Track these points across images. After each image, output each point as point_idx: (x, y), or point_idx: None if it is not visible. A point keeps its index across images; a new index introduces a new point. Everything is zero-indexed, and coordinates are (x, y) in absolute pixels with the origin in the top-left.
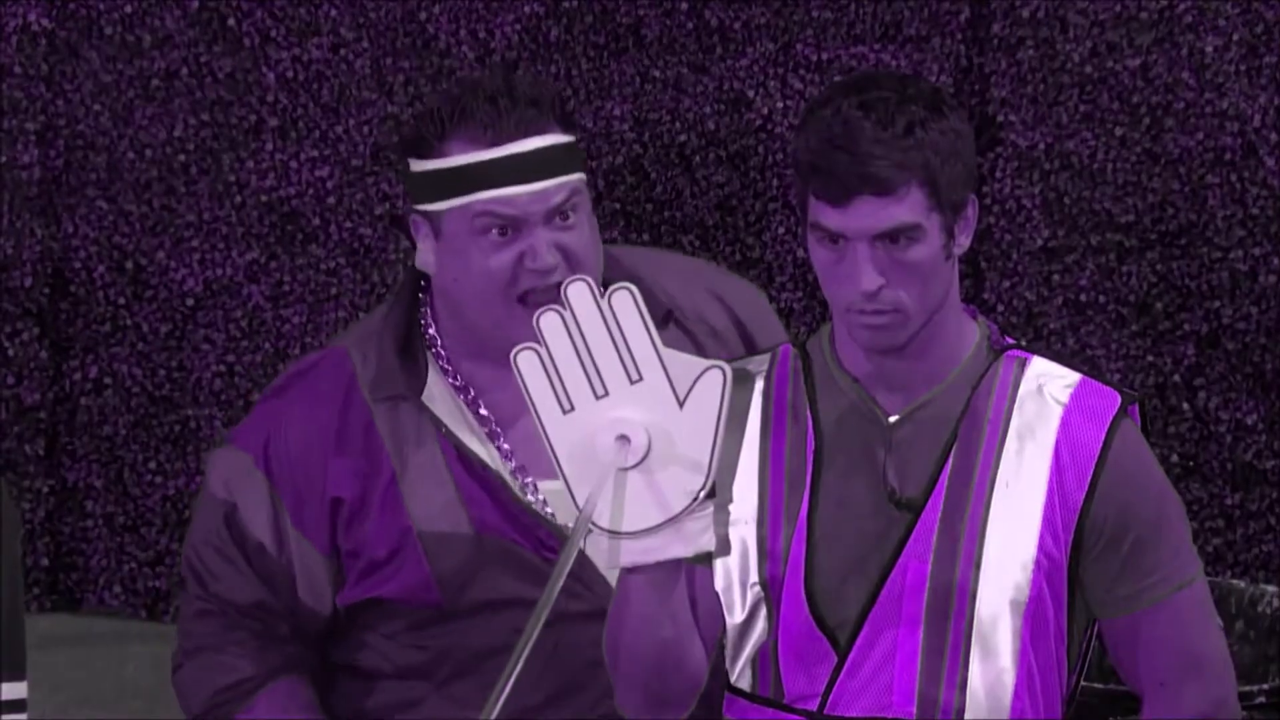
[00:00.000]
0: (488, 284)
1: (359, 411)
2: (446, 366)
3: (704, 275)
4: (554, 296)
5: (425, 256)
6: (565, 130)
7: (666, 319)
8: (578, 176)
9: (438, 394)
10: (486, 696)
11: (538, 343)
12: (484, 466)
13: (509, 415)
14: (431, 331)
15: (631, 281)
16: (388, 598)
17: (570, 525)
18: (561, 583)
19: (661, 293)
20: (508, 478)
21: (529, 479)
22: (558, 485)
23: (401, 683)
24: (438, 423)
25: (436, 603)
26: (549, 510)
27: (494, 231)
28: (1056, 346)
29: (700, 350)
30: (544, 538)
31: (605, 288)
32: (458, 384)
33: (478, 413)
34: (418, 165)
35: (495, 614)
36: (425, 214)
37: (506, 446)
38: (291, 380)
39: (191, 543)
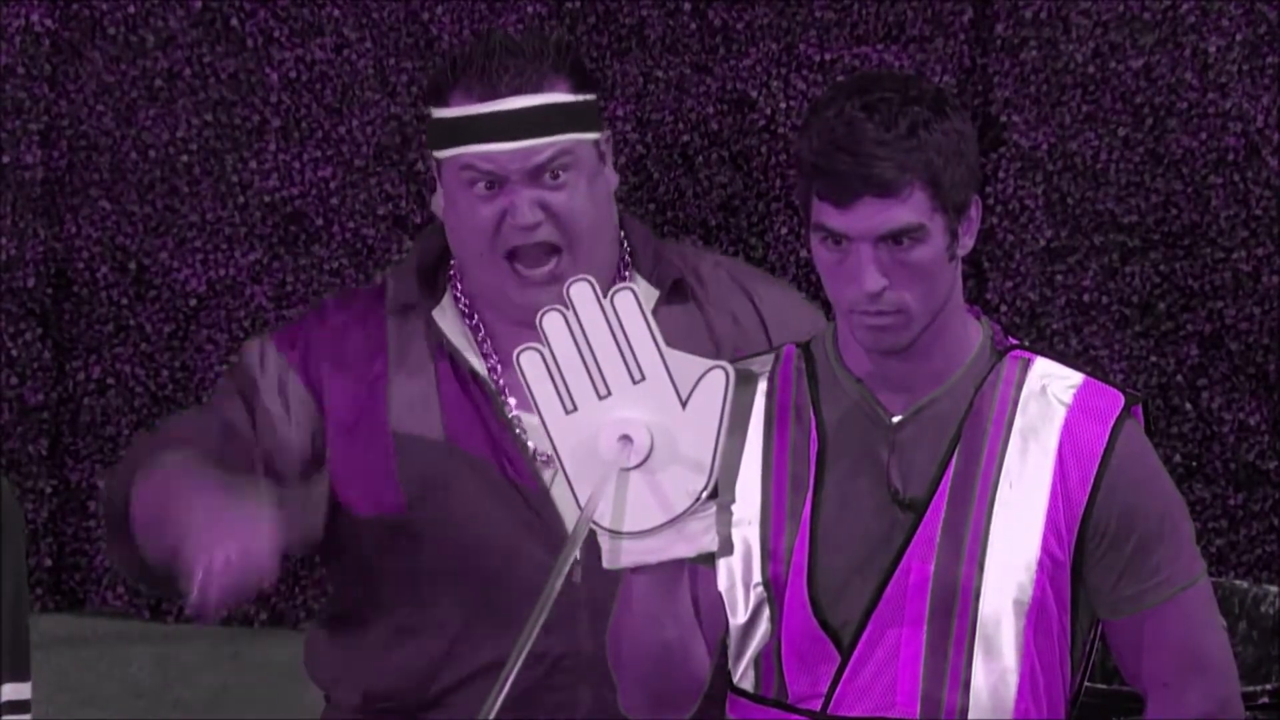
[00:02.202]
0: (475, 236)
1: (376, 321)
2: (460, 295)
3: (733, 267)
4: (540, 255)
5: (436, 203)
6: (576, 89)
7: (676, 286)
8: (571, 136)
9: (449, 312)
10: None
11: (540, 341)
12: (474, 375)
13: (508, 358)
14: (455, 274)
15: (649, 251)
16: (355, 510)
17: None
18: (561, 581)
19: (679, 259)
20: (495, 393)
21: (513, 403)
22: (538, 421)
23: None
24: (440, 336)
25: (400, 510)
26: (527, 439)
27: (480, 185)
28: (1060, 347)
29: (710, 328)
30: (512, 457)
31: (622, 258)
32: (467, 310)
33: (479, 337)
34: (432, 112)
35: (452, 531)
36: (435, 161)
37: (500, 368)
38: (333, 298)
39: None
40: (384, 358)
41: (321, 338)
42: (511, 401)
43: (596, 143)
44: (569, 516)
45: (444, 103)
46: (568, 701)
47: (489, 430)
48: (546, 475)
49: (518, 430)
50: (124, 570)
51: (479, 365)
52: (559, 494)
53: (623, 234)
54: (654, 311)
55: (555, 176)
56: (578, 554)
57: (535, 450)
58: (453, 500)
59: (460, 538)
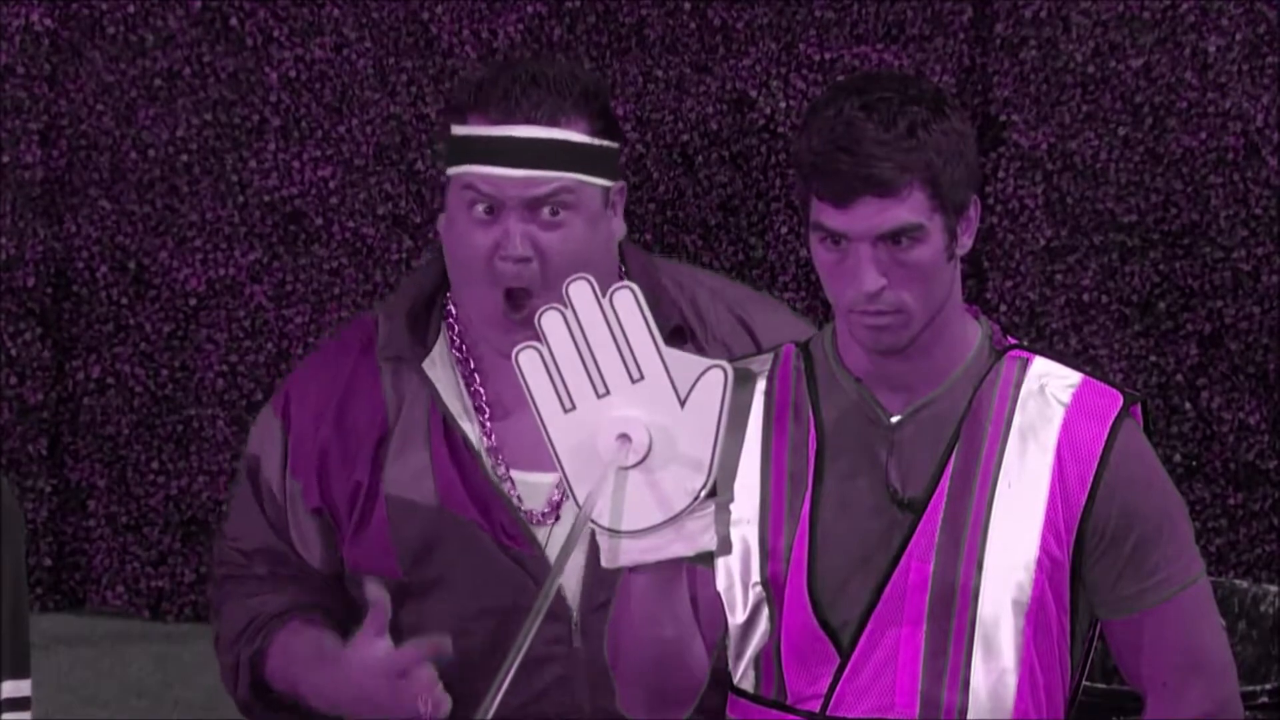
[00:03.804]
0: (469, 261)
1: (369, 370)
2: (455, 339)
3: (729, 295)
4: (527, 300)
5: (441, 221)
6: (595, 132)
7: (675, 332)
8: (576, 176)
9: (440, 362)
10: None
11: (539, 341)
12: (464, 439)
13: (507, 402)
14: (451, 304)
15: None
16: (356, 566)
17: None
18: (559, 579)
19: (677, 294)
20: (483, 454)
21: (505, 464)
22: (533, 478)
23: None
24: (433, 391)
25: (395, 573)
26: (518, 499)
27: (479, 208)
28: (1059, 346)
29: None
30: (505, 523)
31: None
32: (461, 356)
33: (472, 388)
34: (451, 129)
35: (449, 594)
36: (446, 179)
37: (490, 426)
38: (325, 341)
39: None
40: (381, 417)
41: (310, 390)
42: (503, 465)
43: (606, 190)
44: (569, 578)
45: (462, 121)
46: (562, 702)
47: (480, 494)
48: (541, 535)
49: (508, 491)
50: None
51: (469, 426)
52: (554, 553)
53: (623, 275)
54: None
55: (554, 213)
56: (575, 617)
57: (528, 511)
58: (446, 564)
59: (456, 601)
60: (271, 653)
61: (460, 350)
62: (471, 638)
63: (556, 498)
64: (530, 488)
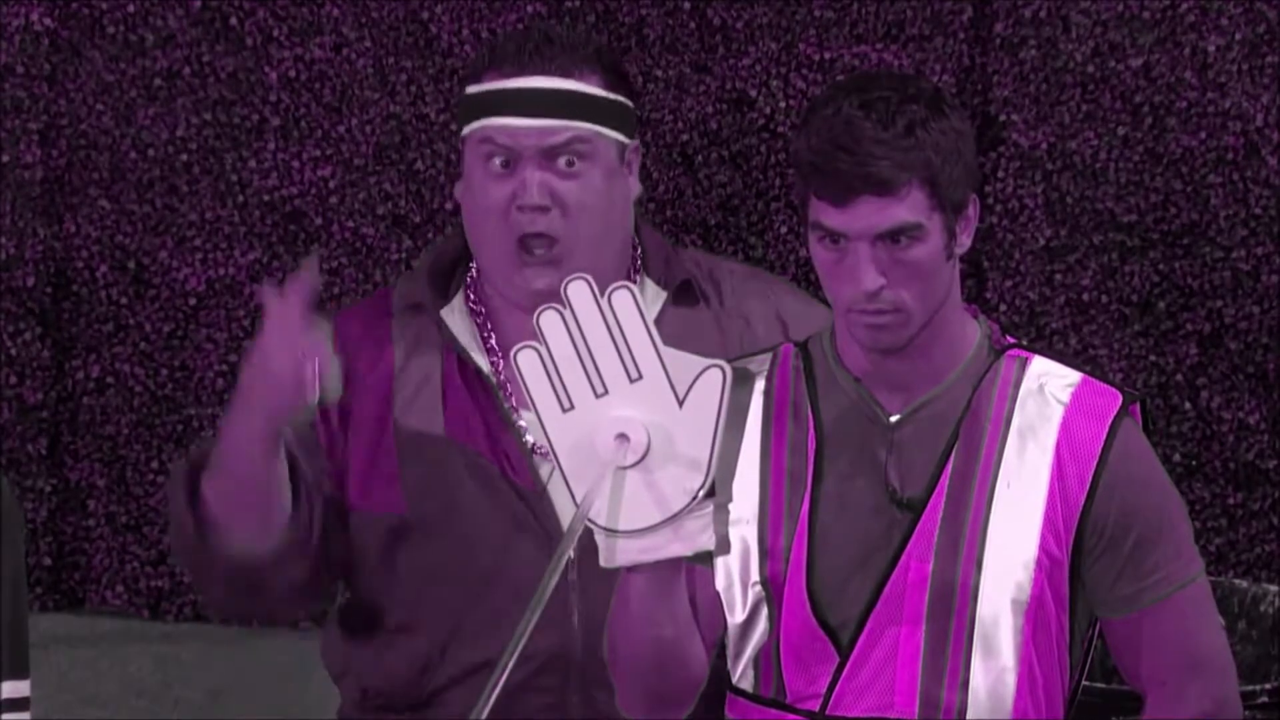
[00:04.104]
0: (486, 214)
1: (383, 321)
2: (473, 296)
3: (757, 275)
4: (545, 255)
5: (458, 188)
6: (609, 87)
7: (685, 288)
8: (590, 126)
9: (457, 312)
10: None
11: (538, 340)
12: (477, 372)
13: None
14: (474, 264)
15: (660, 255)
16: (357, 506)
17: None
18: (556, 578)
19: (691, 263)
20: (497, 389)
21: (514, 402)
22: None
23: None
24: (448, 333)
25: (400, 507)
26: (526, 435)
27: (496, 161)
28: (1059, 346)
29: (720, 329)
30: (511, 455)
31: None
32: (476, 308)
33: (485, 337)
34: (466, 91)
35: (451, 526)
36: (461, 142)
37: (502, 371)
38: (344, 309)
39: None
40: (390, 355)
41: (337, 331)
42: (512, 402)
43: (622, 146)
44: (565, 514)
45: (477, 81)
46: (556, 702)
47: (488, 427)
48: (544, 471)
49: (518, 426)
50: (220, 588)
51: (482, 361)
52: (556, 491)
53: (637, 240)
54: (661, 312)
55: (570, 164)
56: (572, 553)
57: (534, 446)
58: (450, 498)
59: (456, 535)
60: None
61: (477, 305)
62: (471, 570)
63: None
64: (535, 427)
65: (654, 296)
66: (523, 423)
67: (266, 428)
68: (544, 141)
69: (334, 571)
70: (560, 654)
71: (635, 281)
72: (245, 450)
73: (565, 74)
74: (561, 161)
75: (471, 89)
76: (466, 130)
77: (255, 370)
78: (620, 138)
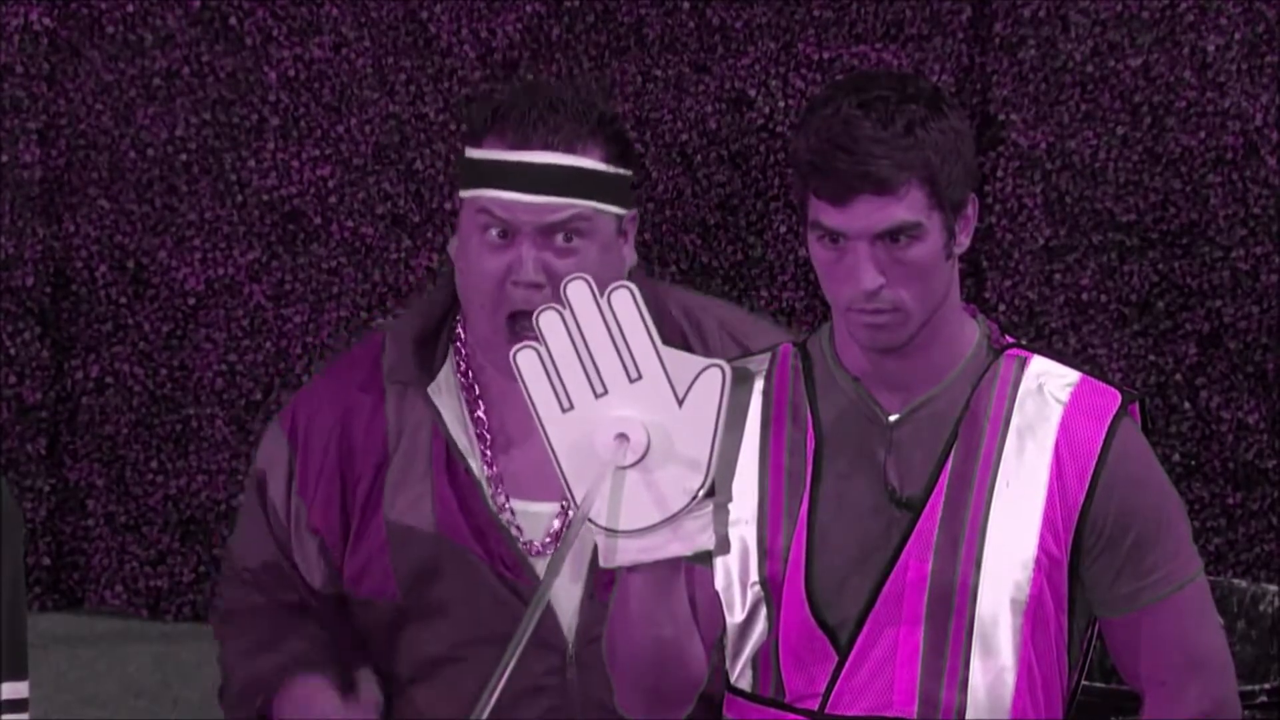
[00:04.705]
0: (481, 283)
1: (375, 392)
2: (462, 364)
3: (735, 324)
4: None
5: (452, 244)
6: (611, 159)
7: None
8: (591, 204)
9: (445, 388)
10: (442, 700)
11: (537, 341)
12: (466, 468)
13: (511, 430)
14: (460, 327)
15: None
16: (356, 587)
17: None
18: (556, 578)
19: (683, 318)
20: (483, 484)
21: (504, 494)
22: (534, 508)
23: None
24: (438, 417)
25: (394, 596)
26: (517, 529)
27: (493, 232)
28: (1058, 345)
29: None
30: (502, 553)
31: None
32: (466, 382)
33: (475, 415)
34: (466, 150)
35: (447, 620)
36: (459, 200)
37: (491, 455)
38: (333, 360)
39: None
40: (383, 441)
41: (321, 410)
42: (502, 495)
43: (620, 218)
44: (564, 608)
45: (478, 143)
46: (555, 706)
47: (478, 523)
48: (539, 566)
49: (507, 521)
50: None
51: (471, 454)
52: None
53: None
54: None
55: (568, 239)
56: (571, 650)
57: (526, 542)
58: (444, 591)
59: (453, 628)
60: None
61: (466, 376)
62: (467, 664)
63: (556, 528)
64: (530, 518)
65: None
66: (515, 518)
67: None
68: (542, 219)
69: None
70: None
71: None
72: None
73: (569, 148)
74: (559, 238)
75: (472, 153)
76: (465, 194)
77: None
78: (619, 211)
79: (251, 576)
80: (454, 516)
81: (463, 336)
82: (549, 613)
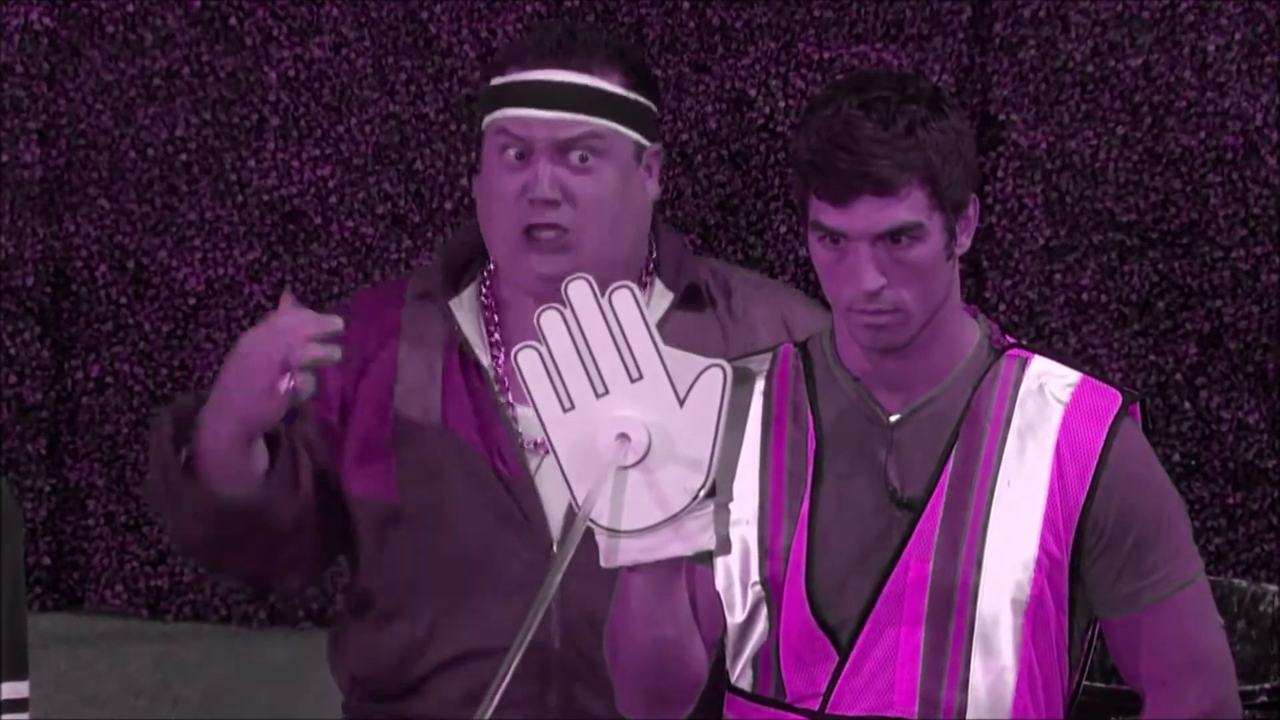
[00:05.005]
0: (498, 204)
1: (394, 307)
2: (484, 289)
3: (770, 286)
4: (554, 239)
5: (476, 180)
6: (629, 86)
7: (692, 291)
8: (605, 123)
9: (466, 304)
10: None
11: (538, 340)
12: (477, 365)
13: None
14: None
15: (674, 259)
16: (352, 491)
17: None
18: (559, 578)
19: (705, 270)
20: (493, 383)
21: (511, 398)
22: (532, 413)
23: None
24: (454, 323)
25: (392, 496)
26: (519, 428)
27: (510, 152)
28: (1058, 346)
29: (724, 334)
30: (503, 449)
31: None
32: (487, 302)
33: (490, 330)
34: (490, 83)
35: (442, 518)
36: (479, 134)
37: (502, 364)
38: (363, 291)
39: None
40: (395, 344)
41: (351, 315)
42: (509, 398)
43: (640, 146)
44: (553, 507)
45: (500, 74)
46: (535, 697)
47: (482, 420)
48: (534, 463)
49: (511, 420)
50: (199, 527)
51: (483, 355)
52: (544, 485)
53: (653, 242)
54: (667, 315)
55: (584, 159)
56: (556, 549)
57: (526, 441)
58: (441, 487)
59: (443, 525)
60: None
61: (487, 299)
62: (455, 560)
63: None
64: (529, 421)
65: (661, 296)
66: (517, 417)
67: (237, 431)
68: (557, 135)
69: (333, 544)
70: (539, 649)
71: (647, 282)
72: (218, 445)
73: (584, 69)
74: (575, 156)
75: (493, 81)
76: (485, 122)
77: (230, 372)
78: (638, 137)
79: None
80: (462, 411)
81: (490, 274)
82: (541, 518)
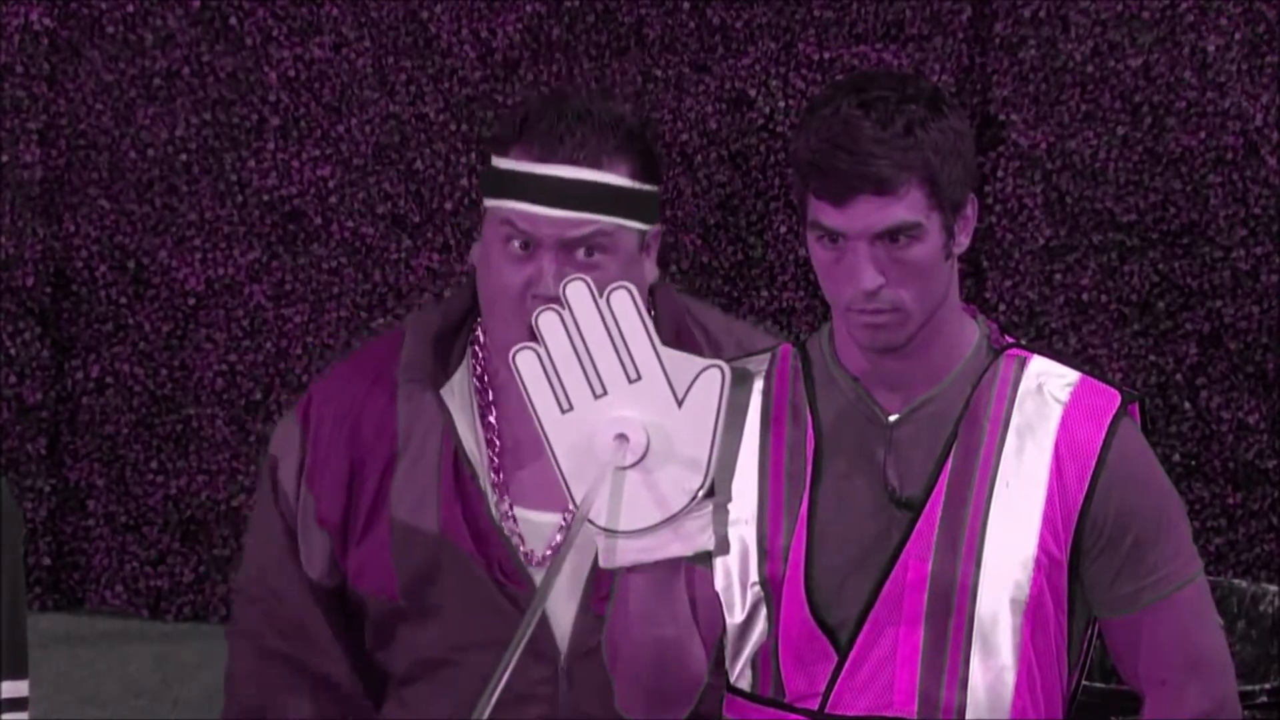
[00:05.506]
0: (500, 295)
1: (388, 389)
2: (478, 367)
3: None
4: None
5: (474, 251)
6: (637, 174)
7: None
8: (614, 220)
9: (458, 391)
10: (437, 700)
11: (537, 342)
12: (472, 474)
13: (520, 437)
14: (479, 330)
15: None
16: (357, 583)
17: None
18: (556, 579)
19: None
20: (488, 491)
21: (509, 501)
22: (538, 517)
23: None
24: (448, 419)
25: (393, 596)
26: (518, 538)
27: (515, 244)
28: (1058, 346)
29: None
30: (501, 560)
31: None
32: (480, 386)
33: (486, 420)
34: (492, 159)
35: (445, 623)
36: (483, 209)
37: (499, 461)
38: (352, 353)
39: None
40: (392, 439)
41: (332, 401)
42: (506, 503)
43: (643, 234)
44: (560, 619)
45: (504, 152)
46: (540, 701)
47: (480, 529)
48: (539, 576)
49: (509, 529)
50: None
51: (479, 460)
52: (550, 597)
53: (652, 306)
54: None
55: (589, 254)
56: (563, 663)
57: (527, 551)
58: (442, 594)
59: (450, 631)
60: None
61: (481, 380)
62: (462, 668)
63: (558, 540)
64: (533, 527)
65: None
66: (516, 524)
67: None
68: (565, 233)
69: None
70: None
71: None
72: None
73: (594, 164)
74: (580, 252)
75: (498, 163)
76: (488, 204)
77: None
78: (643, 227)
79: (259, 593)
80: (457, 521)
81: (481, 340)
82: (544, 622)
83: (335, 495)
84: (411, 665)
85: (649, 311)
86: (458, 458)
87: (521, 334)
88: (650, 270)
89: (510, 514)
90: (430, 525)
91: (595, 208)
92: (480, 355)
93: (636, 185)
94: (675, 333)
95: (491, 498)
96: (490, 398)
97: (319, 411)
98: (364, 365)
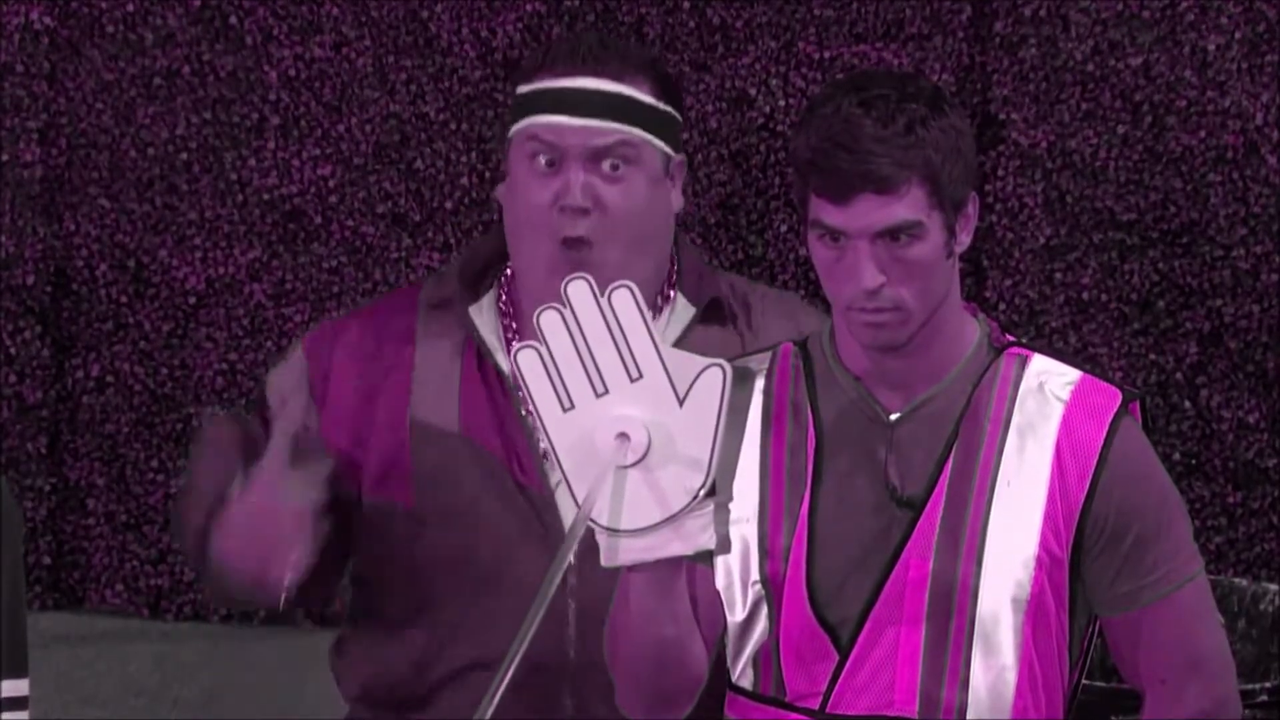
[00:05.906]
0: (528, 212)
1: (409, 312)
2: (504, 296)
3: (787, 302)
4: (585, 249)
5: (499, 189)
6: (658, 97)
7: (714, 306)
8: (637, 132)
9: (486, 312)
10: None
11: (538, 340)
12: (497, 371)
13: None
14: (508, 268)
15: (695, 272)
16: (367, 494)
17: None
18: (559, 579)
19: (725, 284)
20: (513, 389)
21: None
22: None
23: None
24: (472, 329)
25: (409, 500)
26: (538, 437)
27: (541, 160)
28: (1059, 344)
29: (744, 349)
30: (522, 456)
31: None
32: (506, 309)
33: (509, 333)
34: (517, 90)
35: (458, 522)
36: (507, 142)
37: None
38: (375, 299)
39: None
40: (411, 353)
41: (350, 330)
42: (528, 405)
43: (667, 157)
44: (570, 519)
45: (529, 82)
46: (548, 704)
47: (502, 426)
48: (553, 476)
49: (532, 428)
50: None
51: (503, 360)
52: (563, 496)
53: (675, 255)
54: (688, 329)
55: (615, 168)
56: (572, 559)
57: (547, 452)
58: (459, 494)
59: (461, 533)
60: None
61: (507, 305)
62: (472, 568)
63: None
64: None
65: (683, 311)
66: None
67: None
68: (590, 142)
69: (339, 563)
70: (555, 656)
71: (670, 295)
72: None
73: (617, 78)
74: (606, 164)
75: (522, 89)
76: (514, 129)
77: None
78: (666, 148)
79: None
80: (479, 415)
81: (508, 274)
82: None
83: (343, 406)
84: (419, 569)
85: (671, 265)
86: (480, 358)
87: (552, 250)
88: (677, 199)
89: (531, 414)
90: (451, 425)
91: (619, 117)
92: (506, 288)
93: (659, 104)
94: (698, 277)
95: (516, 395)
96: (514, 324)
97: (331, 337)
98: (382, 302)
